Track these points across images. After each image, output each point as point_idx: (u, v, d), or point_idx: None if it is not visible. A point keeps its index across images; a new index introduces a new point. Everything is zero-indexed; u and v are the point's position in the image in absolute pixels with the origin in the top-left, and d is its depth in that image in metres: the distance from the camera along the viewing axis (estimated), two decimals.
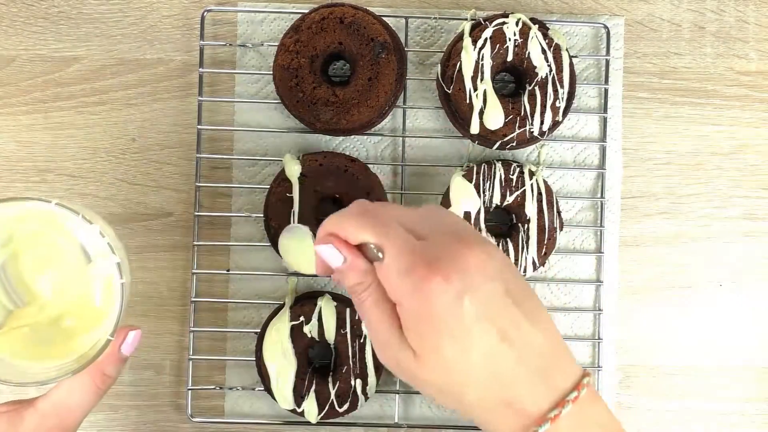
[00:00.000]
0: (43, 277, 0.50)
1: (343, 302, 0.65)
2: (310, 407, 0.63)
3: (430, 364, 0.43)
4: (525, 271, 0.65)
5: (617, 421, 0.44)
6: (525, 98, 0.64)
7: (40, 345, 0.50)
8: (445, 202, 0.65)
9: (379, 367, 0.64)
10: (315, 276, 0.60)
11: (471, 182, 0.65)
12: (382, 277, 0.44)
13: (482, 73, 0.64)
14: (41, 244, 0.50)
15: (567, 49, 0.65)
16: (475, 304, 0.41)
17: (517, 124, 0.64)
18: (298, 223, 0.64)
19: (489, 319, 0.42)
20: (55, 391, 0.50)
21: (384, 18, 0.65)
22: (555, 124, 0.65)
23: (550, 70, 0.64)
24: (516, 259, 0.65)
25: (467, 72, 0.63)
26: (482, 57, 0.64)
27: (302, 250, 0.52)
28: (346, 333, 0.63)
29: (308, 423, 0.64)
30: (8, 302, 0.50)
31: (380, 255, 0.43)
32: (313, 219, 0.64)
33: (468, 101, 0.64)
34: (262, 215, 0.66)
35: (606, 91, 0.70)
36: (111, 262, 0.48)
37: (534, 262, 0.65)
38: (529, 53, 0.64)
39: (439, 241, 0.43)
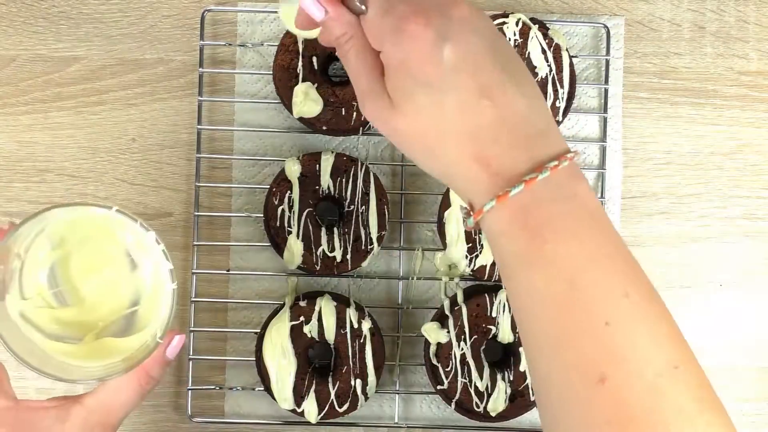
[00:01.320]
0: (90, 280, 0.51)
1: (343, 302, 0.65)
2: (310, 407, 0.63)
3: (405, 112, 0.42)
4: None
5: (602, 207, 0.42)
6: None
7: (89, 345, 0.51)
8: (445, 202, 0.65)
9: (379, 367, 0.64)
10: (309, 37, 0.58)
11: None
12: (365, 27, 0.43)
13: None
14: (91, 248, 0.51)
15: (567, 49, 0.65)
16: (455, 53, 0.40)
17: None
18: (298, 223, 0.64)
19: (469, 73, 0.40)
20: (101, 390, 0.52)
21: None
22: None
23: (550, 70, 0.64)
24: None
25: None
26: None
27: (294, 11, 0.51)
28: (346, 333, 0.63)
29: (308, 423, 0.64)
30: (53, 301, 0.51)
31: (364, 8, 0.43)
32: (312, 219, 0.64)
33: None
34: (262, 215, 0.66)
35: (606, 91, 0.70)
36: (165, 268, 0.49)
37: None
38: (529, 53, 0.64)
39: None
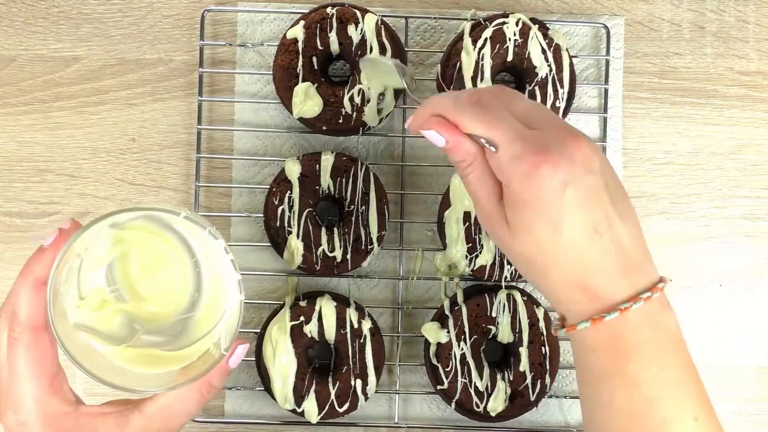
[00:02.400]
0: (149, 279, 0.50)
1: (342, 302, 0.65)
2: (310, 407, 0.63)
3: (522, 240, 0.47)
4: None
5: (682, 335, 0.48)
6: None
7: (150, 353, 0.50)
8: (445, 202, 0.65)
9: (379, 367, 0.64)
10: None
11: None
12: (494, 162, 0.47)
13: (482, 73, 0.64)
14: (151, 250, 0.50)
15: (567, 49, 0.65)
16: (575, 193, 0.45)
17: None
18: (298, 223, 0.64)
19: (585, 210, 0.45)
20: (161, 396, 0.51)
21: (384, 18, 0.65)
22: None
23: (550, 70, 0.64)
24: None
25: (467, 72, 0.63)
26: (482, 57, 0.64)
27: (386, 76, 0.58)
28: (346, 333, 0.63)
29: (308, 423, 0.64)
30: (111, 299, 0.50)
31: (494, 149, 0.46)
32: (312, 219, 0.64)
33: None
34: (262, 215, 0.66)
35: (606, 91, 0.70)
36: (233, 278, 0.48)
37: None
38: (529, 53, 0.64)
39: (549, 131, 0.46)
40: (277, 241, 0.65)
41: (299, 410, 0.63)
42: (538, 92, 0.64)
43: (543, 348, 0.64)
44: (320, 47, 0.64)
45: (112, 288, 0.49)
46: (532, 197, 0.45)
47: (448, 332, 0.64)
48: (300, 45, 0.64)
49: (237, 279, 0.48)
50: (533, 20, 0.65)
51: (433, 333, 0.64)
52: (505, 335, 0.64)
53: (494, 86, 0.50)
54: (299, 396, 0.63)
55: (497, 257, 0.64)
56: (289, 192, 0.64)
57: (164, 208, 0.47)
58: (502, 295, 0.64)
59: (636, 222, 0.47)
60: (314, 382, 0.63)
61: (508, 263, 0.64)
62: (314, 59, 0.64)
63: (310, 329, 0.63)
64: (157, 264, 0.50)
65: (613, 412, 0.47)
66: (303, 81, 0.64)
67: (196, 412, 0.52)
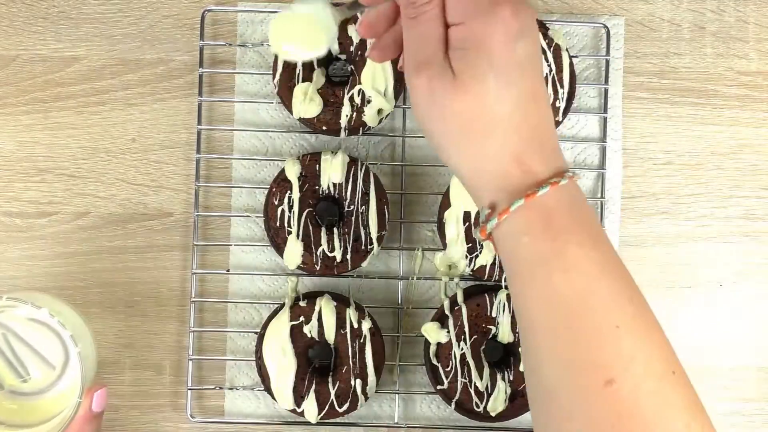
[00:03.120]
0: (30, 356, 0.58)
1: (342, 302, 0.65)
2: (310, 407, 0.63)
3: (469, 91, 0.42)
4: None
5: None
6: None
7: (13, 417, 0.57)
8: (445, 202, 0.65)
9: (379, 367, 0.64)
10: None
11: None
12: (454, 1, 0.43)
13: None
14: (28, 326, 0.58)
15: (567, 49, 0.65)
16: (525, 50, 0.42)
17: None
18: (298, 223, 0.64)
19: (531, 71, 0.43)
20: None
21: None
22: (555, 124, 0.65)
23: (550, 70, 0.64)
24: None
25: None
26: None
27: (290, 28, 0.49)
28: (346, 333, 0.63)
29: (308, 423, 0.64)
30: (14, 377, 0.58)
31: None
32: (312, 219, 0.64)
33: None
34: (262, 215, 0.66)
35: (606, 91, 0.70)
36: (65, 335, 0.55)
37: None
38: None
39: None
40: (277, 241, 0.65)
41: (299, 410, 0.63)
42: None
43: None
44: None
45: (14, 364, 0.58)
46: (488, 37, 0.41)
47: (448, 332, 0.64)
48: None
49: (68, 335, 0.55)
50: None
51: (433, 333, 0.64)
52: (505, 335, 0.64)
53: None
54: (299, 396, 0.63)
55: (497, 257, 0.64)
56: (289, 192, 0.64)
57: None
58: (502, 295, 0.64)
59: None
60: (314, 382, 0.63)
61: None
62: (314, 59, 0.64)
63: (310, 329, 0.63)
64: (29, 339, 0.58)
65: (553, 300, 0.42)
66: (303, 81, 0.64)
67: None
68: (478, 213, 0.64)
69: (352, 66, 0.65)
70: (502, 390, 0.63)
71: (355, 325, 0.64)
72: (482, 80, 0.42)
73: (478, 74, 0.42)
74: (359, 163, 0.65)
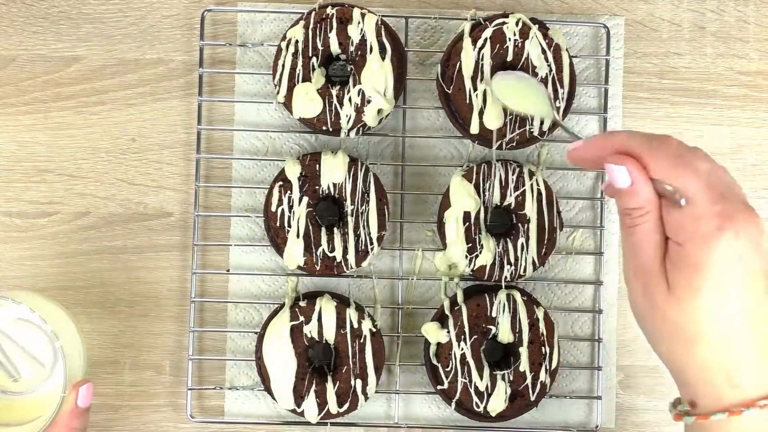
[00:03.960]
0: (20, 355, 0.59)
1: (342, 302, 0.65)
2: (310, 407, 0.63)
3: (682, 303, 0.43)
4: (525, 271, 0.65)
5: None
6: None
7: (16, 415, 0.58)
8: (445, 202, 0.65)
9: (379, 367, 0.64)
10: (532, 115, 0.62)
11: (471, 182, 0.65)
12: (672, 218, 0.44)
13: (482, 73, 0.64)
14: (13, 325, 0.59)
15: (567, 49, 0.65)
16: (745, 270, 0.43)
17: (517, 124, 0.64)
18: (298, 223, 0.64)
19: (750, 291, 0.43)
20: None
21: (384, 18, 0.65)
22: (555, 125, 0.65)
23: (550, 71, 0.64)
24: (516, 260, 0.65)
25: (467, 72, 0.63)
26: (482, 57, 0.64)
27: (528, 92, 0.56)
28: (346, 333, 0.63)
29: (308, 423, 0.64)
30: (7, 376, 0.58)
31: (683, 201, 0.44)
32: (312, 219, 0.64)
33: (468, 101, 0.64)
34: (262, 215, 0.66)
35: (606, 91, 0.70)
36: (46, 330, 0.56)
37: (534, 262, 0.65)
38: (528, 53, 0.64)
39: (733, 200, 0.44)
40: (277, 241, 0.65)
41: (299, 410, 0.63)
42: None
43: (543, 348, 0.64)
44: (320, 47, 0.64)
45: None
46: (706, 261, 0.43)
47: (448, 332, 0.64)
48: (300, 45, 0.64)
49: (49, 330, 0.56)
50: (533, 20, 0.65)
51: (433, 333, 0.64)
52: (505, 335, 0.64)
53: (678, 140, 0.46)
54: (299, 396, 0.63)
55: (497, 257, 0.64)
56: (289, 192, 0.64)
57: None
58: (502, 295, 0.64)
59: None
60: (314, 382, 0.63)
61: (508, 263, 0.64)
62: (314, 59, 0.64)
63: (310, 329, 0.63)
64: (15, 337, 0.58)
65: None
66: (303, 81, 0.64)
67: None
68: (478, 212, 0.64)
69: (352, 66, 0.65)
70: (502, 390, 0.63)
71: (355, 325, 0.64)
72: (696, 296, 0.43)
73: (692, 291, 0.43)
74: (359, 163, 0.65)
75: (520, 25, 0.64)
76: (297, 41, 0.64)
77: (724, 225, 0.43)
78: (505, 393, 0.63)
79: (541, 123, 0.64)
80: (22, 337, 0.58)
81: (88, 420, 0.58)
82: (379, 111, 0.65)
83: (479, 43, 0.64)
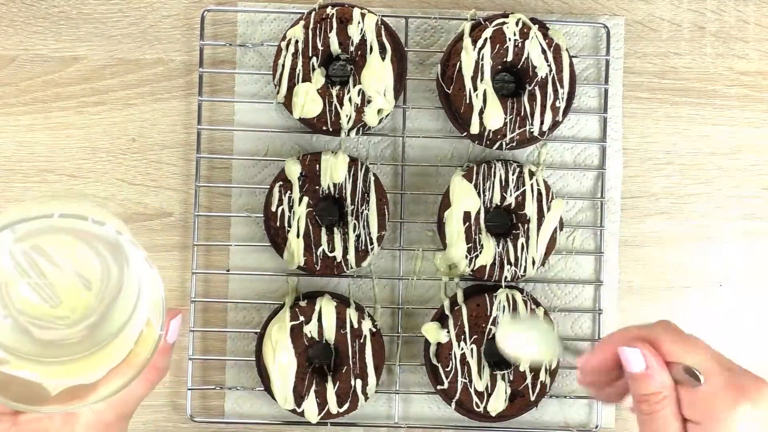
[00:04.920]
0: (74, 273, 0.45)
1: (342, 302, 0.65)
2: (310, 407, 0.63)
3: None
4: (525, 271, 0.65)
5: None
6: (525, 98, 0.64)
7: (87, 359, 0.46)
8: (445, 202, 0.65)
9: (379, 367, 0.64)
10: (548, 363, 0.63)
11: (471, 182, 0.65)
12: (688, 397, 0.45)
13: (482, 73, 0.64)
14: (66, 243, 0.46)
15: (567, 49, 0.65)
16: None
17: (517, 124, 0.64)
18: (298, 223, 0.64)
19: None
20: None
21: (384, 18, 0.65)
22: (555, 124, 0.65)
23: (550, 70, 0.64)
24: (516, 259, 0.65)
25: (467, 72, 0.63)
26: (482, 57, 0.64)
27: (544, 338, 0.56)
28: (346, 333, 0.63)
29: (308, 423, 0.64)
30: (42, 302, 0.45)
31: (701, 380, 0.45)
32: (312, 219, 0.64)
33: (468, 101, 0.64)
34: (262, 215, 0.66)
35: (606, 91, 0.70)
36: (139, 257, 0.44)
37: (534, 262, 0.65)
38: (529, 53, 0.64)
39: (742, 372, 0.45)
40: (277, 241, 0.65)
41: (299, 410, 0.63)
42: (538, 92, 0.64)
43: None
44: (320, 47, 0.64)
45: (40, 290, 0.45)
46: None
47: (448, 332, 0.64)
48: (300, 45, 0.64)
49: (143, 256, 0.44)
50: (533, 20, 0.65)
51: (433, 333, 0.64)
52: None
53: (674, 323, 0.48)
54: (299, 396, 0.63)
55: (497, 257, 0.64)
56: (289, 192, 0.64)
57: (37, 216, 0.43)
58: (502, 295, 0.64)
59: None
60: (314, 382, 0.63)
61: (508, 263, 0.64)
62: (314, 59, 0.64)
63: (310, 329, 0.63)
64: (76, 256, 0.45)
65: None
66: (303, 81, 0.64)
67: (147, 394, 0.51)
68: (478, 212, 0.64)
69: (352, 66, 0.65)
70: (502, 390, 0.63)
71: (355, 325, 0.64)
72: None
73: None
74: (359, 163, 0.65)
75: (520, 25, 0.64)
76: (297, 41, 0.64)
77: (739, 398, 0.43)
78: (505, 393, 0.63)
79: (542, 123, 0.64)
80: (64, 254, 0.45)
81: (170, 360, 0.52)
82: (379, 111, 0.65)
83: (479, 43, 0.64)
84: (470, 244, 0.64)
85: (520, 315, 0.63)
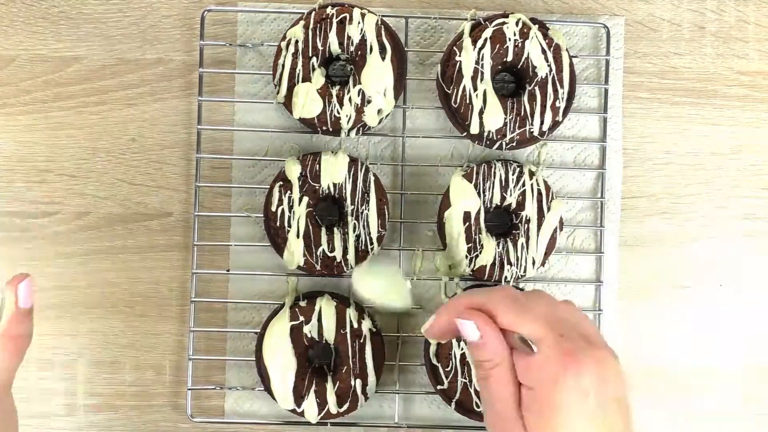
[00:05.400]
0: None
1: (342, 302, 0.65)
2: (310, 407, 0.63)
3: None
4: (525, 271, 0.65)
5: None
6: (525, 98, 0.64)
7: None
8: (445, 202, 0.65)
9: (379, 367, 0.64)
10: (401, 311, 0.63)
11: (471, 182, 0.65)
12: (522, 364, 0.47)
13: (482, 73, 0.64)
14: None
15: (567, 49, 0.65)
16: (597, 402, 0.45)
17: (517, 124, 0.64)
18: (298, 223, 0.64)
19: (604, 421, 0.45)
20: None
21: (384, 18, 0.65)
22: (555, 124, 0.65)
23: (550, 70, 0.64)
24: (516, 259, 0.65)
25: (467, 72, 0.63)
26: (482, 57, 0.64)
27: (392, 286, 0.59)
28: (345, 333, 0.63)
29: (308, 423, 0.64)
30: None
31: (534, 349, 0.46)
32: (312, 219, 0.64)
33: (468, 101, 0.64)
34: (262, 215, 0.66)
35: (606, 91, 0.70)
36: None
37: (534, 262, 0.65)
38: (529, 53, 0.64)
39: (575, 339, 0.46)
40: (277, 241, 0.65)
41: (299, 410, 0.63)
42: (538, 92, 0.64)
43: None
44: (320, 47, 0.64)
45: None
46: (556, 402, 0.45)
47: None
48: (300, 45, 0.64)
49: None
50: (533, 20, 0.65)
51: None
52: None
53: (513, 288, 0.49)
54: (299, 396, 0.63)
55: (497, 257, 0.64)
56: (289, 192, 0.64)
57: None
58: None
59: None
60: (314, 382, 0.63)
61: (509, 263, 0.64)
62: (314, 59, 0.64)
63: (310, 329, 0.63)
64: None
65: None
66: (303, 81, 0.64)
67: (18, 364, 0.51)
68: (478, 212, 0.64)
69: (352, 66, 0.65)
70: None
71: (355, 325, 0.64)
72: None
73: (549, 430, 0.45)
74: (359, 163, 0.65)
75: (520, 25, 0.64)
76: (297, 41, 0.64)
77: (567, 365, 0.45)
78: None
79: (542, 123, 0.64)
80: None
81: (32, 325, 0.52)
82: (379, 111, 0.65)
83: (479, 43, 0.64)
84: (470, 244, 0.64)
85: (378, 264, 0.63)
